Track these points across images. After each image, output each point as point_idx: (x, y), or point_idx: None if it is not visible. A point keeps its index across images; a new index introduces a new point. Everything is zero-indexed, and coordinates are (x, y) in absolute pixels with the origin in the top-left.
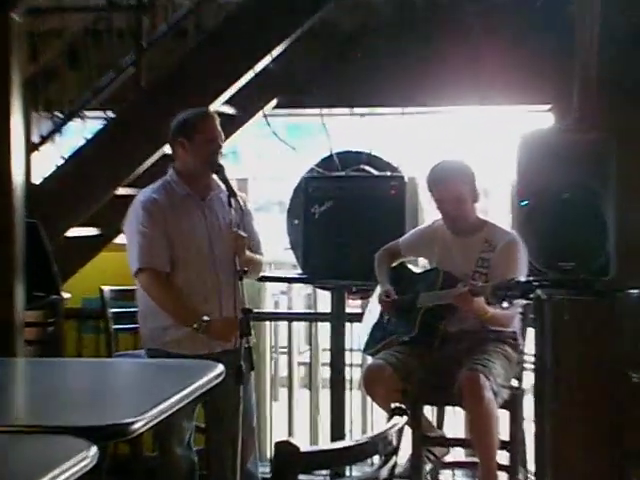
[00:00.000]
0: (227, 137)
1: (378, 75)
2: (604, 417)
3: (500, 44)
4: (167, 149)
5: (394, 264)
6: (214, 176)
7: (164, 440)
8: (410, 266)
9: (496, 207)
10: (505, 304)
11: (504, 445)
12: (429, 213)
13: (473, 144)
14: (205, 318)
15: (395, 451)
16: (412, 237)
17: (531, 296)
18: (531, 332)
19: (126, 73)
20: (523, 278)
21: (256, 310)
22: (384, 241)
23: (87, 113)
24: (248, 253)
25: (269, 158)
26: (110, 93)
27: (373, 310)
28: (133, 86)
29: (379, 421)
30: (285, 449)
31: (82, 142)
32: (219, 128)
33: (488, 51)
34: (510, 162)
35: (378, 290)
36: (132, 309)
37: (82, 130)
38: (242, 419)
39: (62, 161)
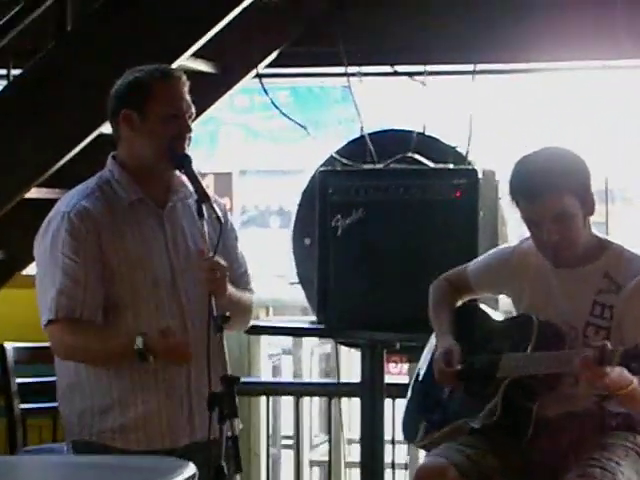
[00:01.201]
0: (200, 110)
1: (436, 14)
2: None
3: None
4: (105, 129)
5: (459, 303)
6: (177, 172)
7: None
8: (485, 308)
9: (625, 218)
10: (637, 381)
11: None
12: (516, 227)
13: (587, 121)
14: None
15: None
16: (487, 263)
17: None
18: None
19: (42, 8)
20: None
21: (244, 379)
22: (444, 271)
23: None
24: (231, 290)
25: (264, 142)
26: (16, 39)
27: (426, 377)
28: (54, 29)
29: None
30: None
31: None
32: (187, 96)
33: None
34: None
35: (433, 344)
36: (52, 378)
37: None
38: None
39: None
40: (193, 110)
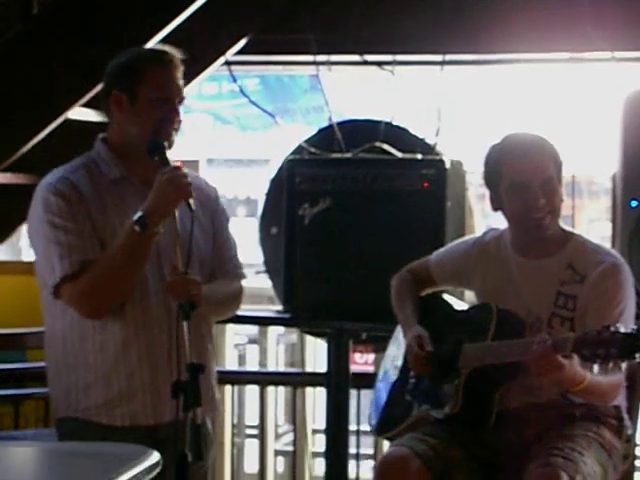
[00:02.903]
0: None
1: (406, 4)
2: None
3: None
4: (72, 113)
5: (424, 294)
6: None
7: None
8: (448, 298)
9: (589, 210)
10: (596, 368)
11: None
12: (482, 219)
13: (553, 113)
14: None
15: None
16: (450, 255)
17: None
18: None
19: None
20: (624, 328)
21: None
22: (412, 261)
23: None
24: (207, 292)
25: (232, 131)
26: None
27: (391, 368)
28: (18, 13)
29: None
30: None
31: None
32: (179, 81)
33: None
34: (612, 140)
35: (399, 335)
36: (14, 364)
37: None
38: None
39: None
40: (184, 95)
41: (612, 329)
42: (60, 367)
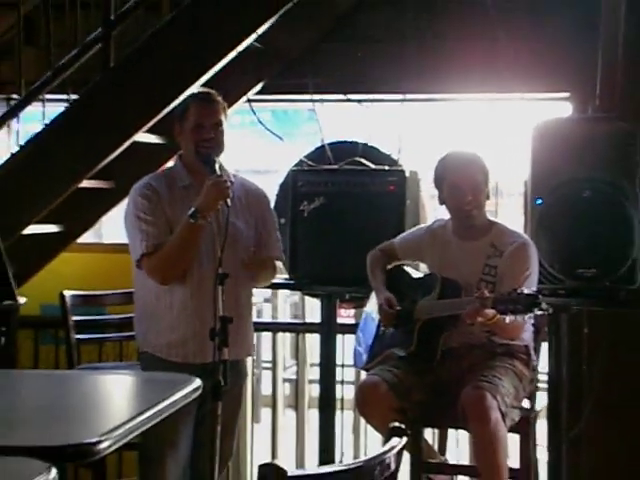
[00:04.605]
0: None
1: (377, 57)
2: (630, 446)
3: (517, 26)
4: (138, 137)
5: (389, 267)
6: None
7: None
8: (408, 269)
9: (508, 207)
10: (508, 319)
11: (513, 474)
12: (432, 212)
13: (482, 136)
14: (192, 209)
15: (393, 477)
16: (409, 238)
17: (541, 309)
18: (546, 347)
19: (92, 51)
20: (527, 290)
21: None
22: (380, 242)
23: (47, 96)
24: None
25: (252, 149)
26: (73, 74)
27: (367, 320)
28: (100, 65)
29: (374, 447)
30: (270, 473)
31: (41, 128)
32: (214, 112)
33: (503, 33)
34: (523, 156)
35: (373, 297)
36: (97, 317)
37: (41, 115)
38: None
39: (18, 149)
40: (219, 122)
41: (519, 291)
42: (142, 316)
